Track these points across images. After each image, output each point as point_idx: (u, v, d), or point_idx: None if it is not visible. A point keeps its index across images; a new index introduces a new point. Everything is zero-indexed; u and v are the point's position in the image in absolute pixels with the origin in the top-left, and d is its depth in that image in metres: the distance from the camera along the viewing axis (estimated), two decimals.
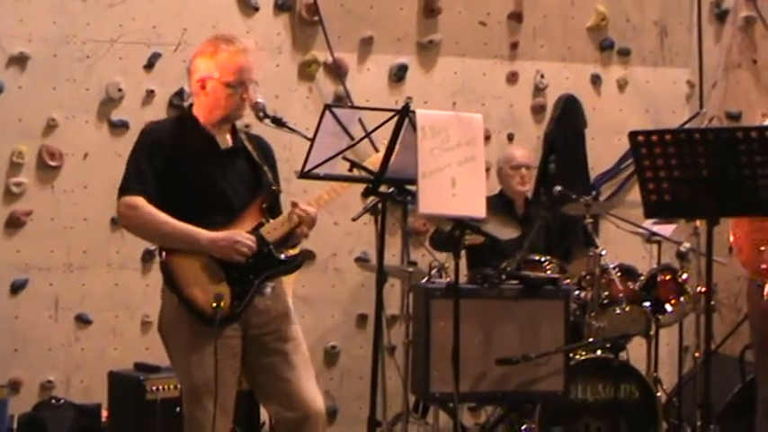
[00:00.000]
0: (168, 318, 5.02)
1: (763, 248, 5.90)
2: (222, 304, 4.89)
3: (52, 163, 7.10)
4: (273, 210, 5.14)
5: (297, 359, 5.07)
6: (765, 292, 5.95)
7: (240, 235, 4.95)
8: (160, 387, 6.38)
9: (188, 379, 4.98)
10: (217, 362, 4.85)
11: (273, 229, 5.05)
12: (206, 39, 5.15)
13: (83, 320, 7.18)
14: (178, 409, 5.76)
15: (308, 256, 5.58)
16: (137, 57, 7.24)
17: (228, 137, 5.09)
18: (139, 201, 4.92)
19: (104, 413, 6.72)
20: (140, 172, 4.96)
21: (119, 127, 7.22)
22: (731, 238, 6.07)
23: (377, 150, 4.65)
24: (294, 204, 5.04)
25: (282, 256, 5.07)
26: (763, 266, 5.95)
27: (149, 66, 7.27)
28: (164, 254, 4.99)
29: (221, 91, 4.98)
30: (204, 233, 4.92)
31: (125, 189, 4.96)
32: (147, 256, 7.26)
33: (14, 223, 7.07)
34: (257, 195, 5.08)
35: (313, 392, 5.09)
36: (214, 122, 5.04)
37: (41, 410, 6.76)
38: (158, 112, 7.27)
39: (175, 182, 4.96)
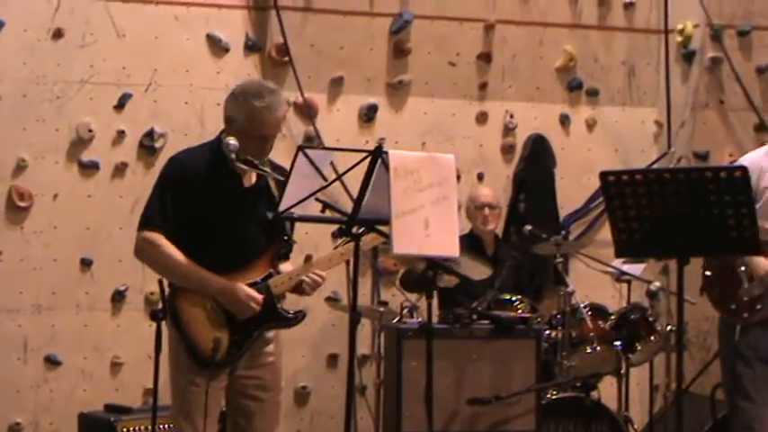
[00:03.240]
0: (170, 347, 5.12)
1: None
2: (219, 349, 5.01)
3: (22, 204, 7.07)
4: (285, 255, 5.25)
5: (270, 410, 5.23)
6: (737, 333, 5.99)
7: (248, 296, 5.05)
8: (131, 429, 6.35)
9: (182, 402, 5.08)
10: (207, 404, 4.99)
11: (281, 283, 5.16)
12: (246, 81, 5.27)
13: (52, 362, 7.13)
14: None
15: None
16: (107, 97, 7.24)
17: (253, 174, 5.13)
18: (159, 238, 5.03)
19: None
20: (163, 205, 5.06)
21: (89, 167, 7.20)
22: (702, 279, 6.11)
23: (349, 194, 4.65)
24: (308, 258, 5.15)
25: (286, 311, 5.18)
26: (734, 307, 5.99)
27: (120, 106, 7.26)
28: (172, 289, 5.09)
29: (242, 136, 5.04)
30: (215, 282, 5.04)
31: (147, 223, 5.07)
32: (116, 297, 7.24)
33: None
34: (271, 243, 5.17)
35: None
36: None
37: None
38: (128, 152, 7.26)
39: (194, 217, 5.06)
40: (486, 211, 7.40)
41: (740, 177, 4.84)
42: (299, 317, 5.23)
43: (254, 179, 5.17)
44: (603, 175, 4.99)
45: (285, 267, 5.24)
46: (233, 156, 5.02)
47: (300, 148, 4.65)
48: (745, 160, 6.03)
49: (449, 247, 4.64)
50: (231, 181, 5.11)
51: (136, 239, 5.11)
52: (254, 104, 5.04)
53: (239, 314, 5.04)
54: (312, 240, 7.00)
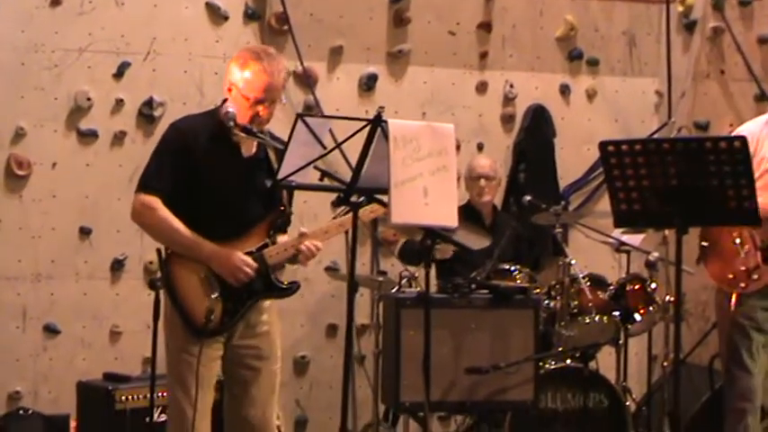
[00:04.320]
0: (165, 313, 5.17)
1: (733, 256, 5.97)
2: (213, 317, 5.01)
3: (20, 172, 7.06)
4: (282, 226, 5.25)
5: (266, 379, 5.23)
6: (733, 303, 6.01)
7: (243, 261, 5.06)
8: (129, 397, 6.35)
9: (176, 369, 5.12)
10: (198, 373, 4.99)
11: (276, 253, 5.16)
12: (247, 46, 5.29)
13: (51, 330, 7.13)
14: (148, 419, 5.77)
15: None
16: (106, 65, 7.20)
17: (254, 143, 5.13)
18: (156, 202, 5.04)
19: (73, 423, 6.68)
20: (161, 170, 5.08)
21: (87, 136, 7.18)
22: (699, 249, 6.11)
23: (348, 163, 4.64)
24: (302, 234, 5.14)
25: (281, 281, 5.19)
26: (731, 276, 6.00)
27: (119, 75, 7.23)
28: (167, 256, 5.11)
29: (241, 101, 5.06)
30: (208, 247, 5.05)
31: (144, 186, 5.09)
32: (115, 266, 7.23)
33: None
34: (268, 213, 5.17)
35: (268, 417, 5.25)
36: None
37: (9, 422, 6.71)
38: (127, 121, 7.24)
39: (191, 184, 5.07)
40: (482, 182, 7.37)
41: (740, 148, 4.85)
42: (293, 288, 5.24)
43: (254, 149, 5.17)
44: (603, 145, 5.00)
45: (282, 240, 5.24)
46: (231, 124, 5.02)
47: (299, 116, 4.64)
48: (742, 130, 6.04)
49: (447, 216, 4.63)
50: (230, 150, 5.12)
51: (133, 202, 5.13)
52: (253, 67, 5.06)
53: (233, 280, 5.05)
54: (311, 210, 7.02)
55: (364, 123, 4.53)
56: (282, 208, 5.21)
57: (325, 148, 4.62)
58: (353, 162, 4.58)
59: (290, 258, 5.20)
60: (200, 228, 5.05)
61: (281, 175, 4.57)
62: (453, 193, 4.65)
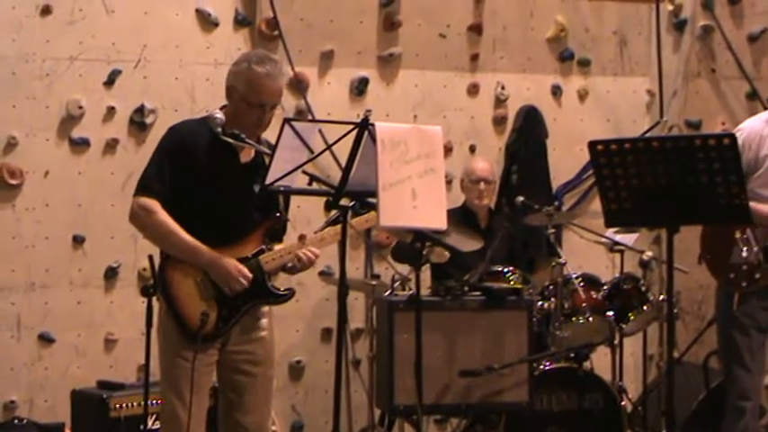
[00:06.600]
0: (160, 318, 5.15)
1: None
2: (207, 322, 5.02)
3: (13, 181, 7.05)
4: (278, 233, 5.24)
5: (261, 385, 5.24)
6: (735, 301, 6.01)
7: (239, 271, 5.05)
8: (124, 405, 6.36)
9: (170, 375, 5.11)
10: (193, 379, 4.99)
11: (272, 259, 5.15)
12: (248, 51, 5.32)
13: (45, 339, 7.12)
14: (142, 427, 5.76)
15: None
16: (97, 74, 7.20)
17: (252, 149, 5.13)
18: (155, 205, 5.04)
19: None
20: (160, 173, 5.07)
21: (80, 144, 7.17)
22: (700, 248, 6.11)
23: (340, 166, 4.63)
24: (301, 238, 5.14)
25: (276, 288, 5.20)
26: (732, 275, 5.99)
27: (110, 82, 7.22)
28: (163, 259, 5.11)
29: (241, 105, 5.07)
30: (207, 254, 5.04)
31: (143, 189, 5.08)
32: (109, 274, 7.22)
33: None
34: (264, 220, 5.17)
35: (263, 423, 5.27)
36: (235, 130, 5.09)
37: (4, 431, 6.70)
38: (119, 128, 7.23)
39: (190, 188, 5.07)
40: (482, 185, 7.38)
41: (729, 145, 4.84)
42: (288, 294, 5.23)
43: (252, 154, 5.17)
44: (592, 145, 4.99)
45: (279, 247, 5.23)
46: (219, 129, 5.02)
47: (286, 121, 4.64)
48: (744, 129, 6.05)
49: (436, 219, 4.62)
50: (227, 155, 5.11)
51: (131, 204, 5.12)
52: (256, 70, 5.06)
53: (228, 288, 5.04)
54: (304, 215, 7.01)
55: (351, 127, 4.53)
56: (279, 214, 5.20)
57: (312, 152, 4.62)
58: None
59: (285, 266, 5.19)
60: (196, 231, 5.05)
61: (268, 181, 4.56)
62: (442, 195, 4.64)
